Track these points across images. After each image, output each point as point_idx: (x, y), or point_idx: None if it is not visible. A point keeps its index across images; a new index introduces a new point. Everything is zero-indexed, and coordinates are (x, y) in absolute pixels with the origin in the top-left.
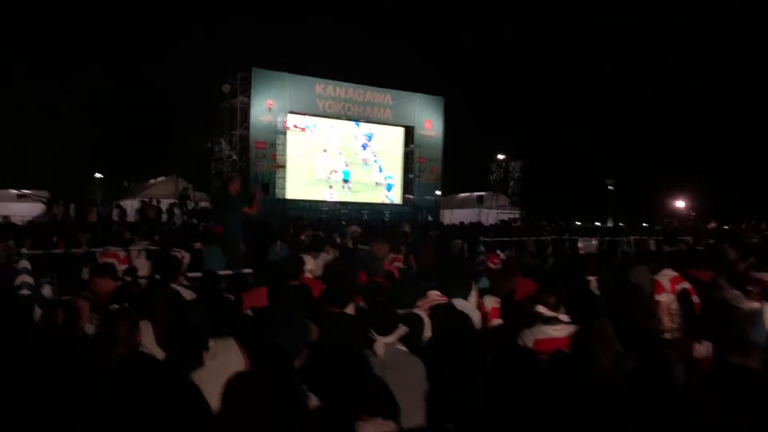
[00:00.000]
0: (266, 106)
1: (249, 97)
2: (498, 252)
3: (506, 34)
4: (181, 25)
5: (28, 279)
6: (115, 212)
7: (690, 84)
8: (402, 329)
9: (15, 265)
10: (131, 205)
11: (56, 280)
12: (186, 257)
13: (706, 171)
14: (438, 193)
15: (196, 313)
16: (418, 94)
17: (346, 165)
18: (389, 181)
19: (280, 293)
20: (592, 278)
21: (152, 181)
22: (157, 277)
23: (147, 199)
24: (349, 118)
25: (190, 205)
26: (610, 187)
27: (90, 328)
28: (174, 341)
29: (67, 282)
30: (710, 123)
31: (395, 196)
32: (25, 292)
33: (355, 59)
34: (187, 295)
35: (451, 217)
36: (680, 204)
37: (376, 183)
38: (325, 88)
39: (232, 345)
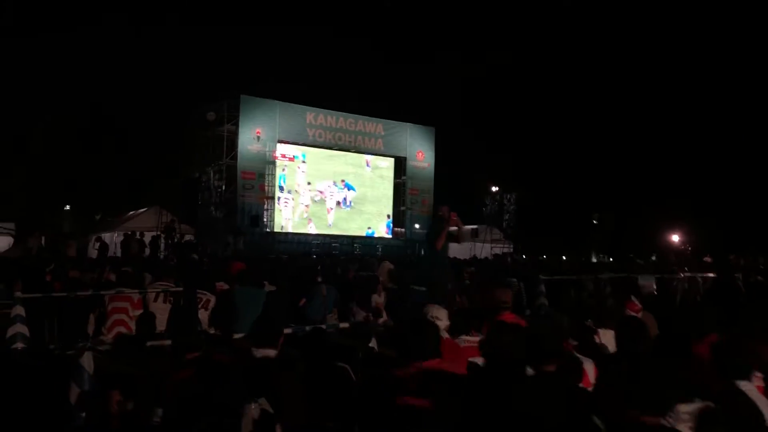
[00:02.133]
0: (254, 134)
1: (236, 125)
2: (632, 298)
3: (498, 60)
4: (164, 49)
5: (23, 329)
6: (93, 246)
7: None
8: None
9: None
10: (110, 238)
11: (57, 330)
12: (212, 300)
13: (694, 205)
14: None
15: None
16: (409, 124)
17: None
18: (386, 213)
19: None
20: None
21: (132, 213)
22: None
23: (130, 232)
24: (340, 148)
25: (176, 238)
26: (594, 221)
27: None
28: None
29: (69, 332)
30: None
31: (383, 229)
32: (19, 345)
33: (346, 87)
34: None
35: None
36: (675, 238)
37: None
38: (316, 117)
39: None
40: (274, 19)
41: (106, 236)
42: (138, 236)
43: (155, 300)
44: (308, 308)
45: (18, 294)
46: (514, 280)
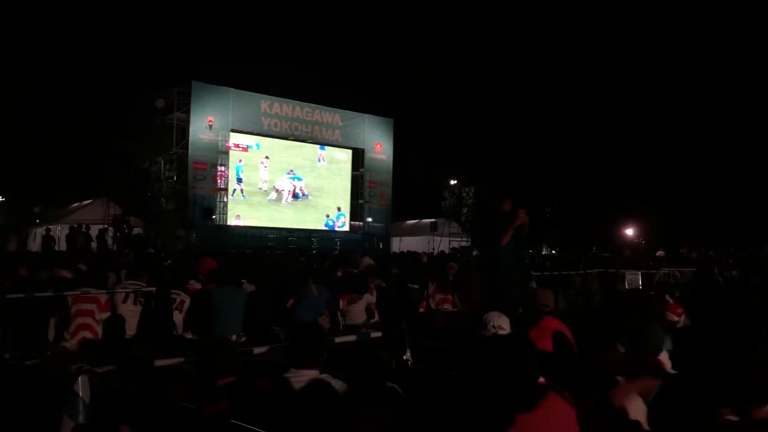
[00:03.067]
0: (206, 123)
1: (187, 113)
2: (669, 299)
3: (459, 53)
4: (113, 33)
5: None
6: (33, 239)
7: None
8: None
9: None
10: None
11: (10, 338)
12: (187, 301)
13: (647, 199)
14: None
15: None
16: (367, 116)
17: (294, 187)
18: (336, 206)
19: None
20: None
21: (76, 204)
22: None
23: (75, 225)
24: (296, 139)
25: (125, 231)
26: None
27: None
28: None
29: (27, 338)
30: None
31: (337, 223)
32: None
33: (304, 76)
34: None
35: (400, 244)
36: (629, 232)
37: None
38: (271, 106)
39: None
40: (231, 2)
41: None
42: (84, 229)
43: (124, 301)
44: (297, 309)
45: None
46: None
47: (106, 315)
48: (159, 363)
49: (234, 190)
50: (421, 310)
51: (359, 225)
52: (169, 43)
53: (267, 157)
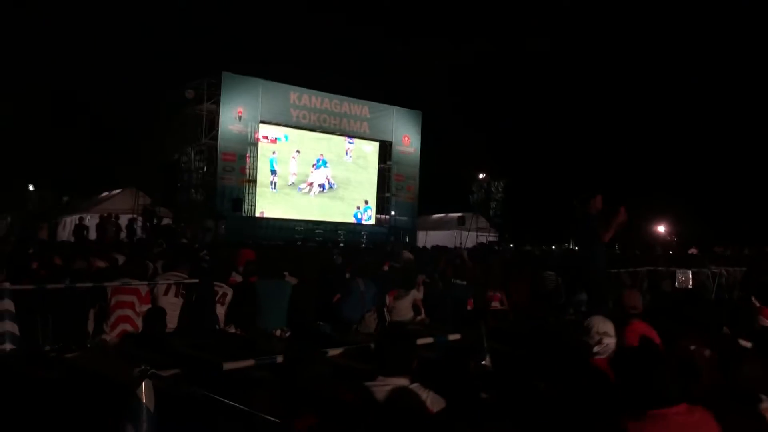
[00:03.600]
0: (236, 114)
1: (216, 104)
2: (756, 301)
3: (486, 46)
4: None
5: (12, 327)
6: (63, 228)
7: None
8: None
9: None
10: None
11: (50, 329)
12: (229, 294)
13: (680, 196)
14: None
15: None
16: (395, 108)
17: (322, 179)
18: (364, 199)
19: None
20: None
21: (105, 194)
22: None
23: (106, 214)
24: (324, 131)
25: (155, 221)
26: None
27: None
28: None
29: (66, 330)
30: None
31: (364, 216)
32: (8, 347)
33: (331, 67)
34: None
35: (426, 239)
36: (661, 229)
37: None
38: (300, 97)
39: None
40: None
41: (74, 219)
42: (113, 219)
43: (165, 293)
44: (343, 305)
45: (6, 285)
46: (552, 273)
47: (146, 307)
48: (228, 366)
49: (272, 183)
50: (469, 308)
51: (386, 218)
52: (198, 33)
53: (298, 152)
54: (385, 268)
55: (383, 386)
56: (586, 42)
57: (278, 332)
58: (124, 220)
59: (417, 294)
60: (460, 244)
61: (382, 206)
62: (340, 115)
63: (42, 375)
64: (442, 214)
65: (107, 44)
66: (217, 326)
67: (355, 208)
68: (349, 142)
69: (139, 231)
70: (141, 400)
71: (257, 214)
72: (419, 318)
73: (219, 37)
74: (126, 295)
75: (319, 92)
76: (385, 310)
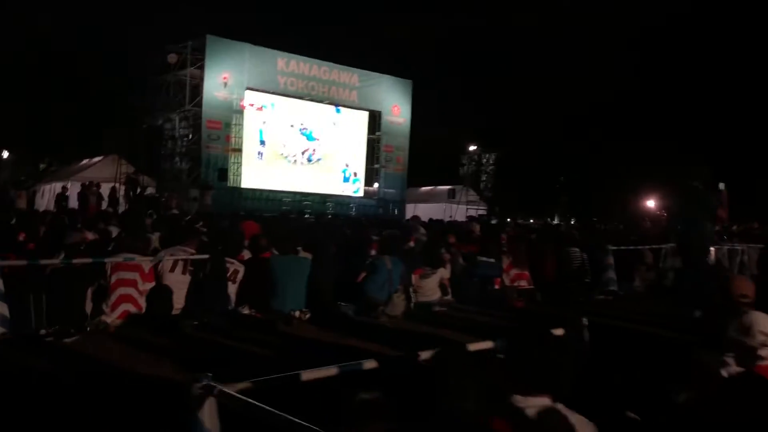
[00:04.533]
0: (221, 80)
1: (201, 69)
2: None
3: (479, 18)
4: None
5: (3, 309)
6: (42, 197)
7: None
8: None
9: None
10: (54, 189)
11: (43, 311)
12: (240, 271)
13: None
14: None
15: None
16: (386, 76)
17: (308, 148)
18: (350, 169)
19: None
20: None
21: (86, 161)
22: None
23: (87, 182)
24: (312, 99)
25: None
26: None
27: None
28: None
29: (62, 311)
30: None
31: (352, 187)
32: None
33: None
34: None
35: (414, 211)
36: (650, 203)
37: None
38: (288, 63)
39: None
40: None
41: (53, 186)
42: (95, 188)
43: (172, 270)
44: (369, 285)
45: None
46: (577, 250)
47: (150, 285)
48: (307, 376)
49: (259, 153)
50: (496, 287)
51: (374, 190)
52: None
53: (292, 125)
54: (411, 243)
55: (525, 406)
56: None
57: (297, 314)
58: (105, 189)
59: (444, 272)
60: (450, 217)
61: (370, 178)
62: (329, 83)
63: (39, 365)
64: (430, 187)
65: (87, 1)
66: (228, 306)
67: (341, 174)
68: (336, 112)
69: (121, 201)
70: (203, 423)
71: (243, 185)
72: (446, 298)
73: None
74: (128, 272)
75: (307, 58)
76: (411, 289)
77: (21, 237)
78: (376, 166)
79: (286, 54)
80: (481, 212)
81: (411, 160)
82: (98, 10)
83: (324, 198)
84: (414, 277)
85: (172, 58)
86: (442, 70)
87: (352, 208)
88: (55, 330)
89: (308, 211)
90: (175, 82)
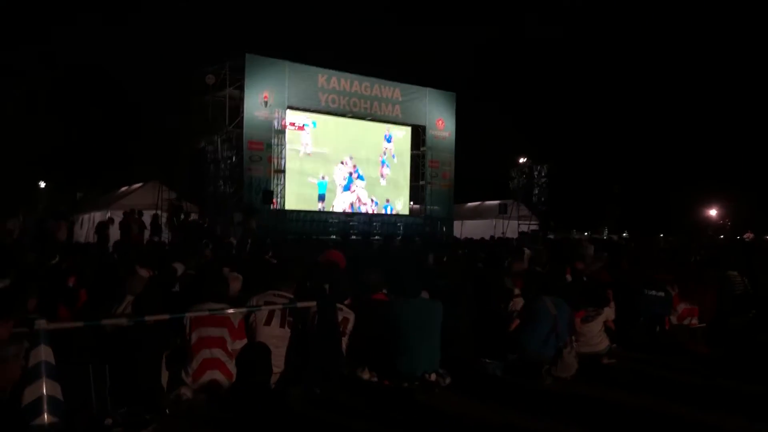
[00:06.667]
0: (261, 99)
1: (240, 89)
2: None
3: (525, 27)
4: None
5: (52, 389)
6: (81, 227)
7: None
8: None
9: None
10: (93, 218)
11: (107, 390)
12: (350, 320)
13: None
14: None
15: None
16: (428, 89)
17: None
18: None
19: None
20: None
21: (125, 189)
22: None
23: (129, 210)
24: (354, 116)
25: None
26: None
27: None
28: None
29: (128, 388)
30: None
31: (398, 205)
32: (47, 419)
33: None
34: None
35: (462, 229)
36: (712, 213)
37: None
38: (329, 80)
39: None
40: None
41: (92, 216)
42: (137, 215)
43: (267, 323)
44: (527, 336)
45: (42, 323)
46: (736, 273)
47: (240, 344)
48: None
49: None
50: (666, 327)
51: (420, 208)
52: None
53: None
54: (568, 277)
55: None
56: (628, 21)
57: (434, 377)
58: (147, 218)
59: (609, 313)
60: (503, 233)
61: (416, 195)
62: (371, 99)
63: None
64: (477, 203)
65: (122, 27)
66: (343, 369)
67: (385, 201)
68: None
69: (164, 228)
70: None
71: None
72: (613, 346)
73: (240, 18)
74: (213, 328)
75: (348, 74)
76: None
77: (71, 282)
78: (421, 182)
79: (326, 70)
80: (533, 227)
81: (459, 174)
82: (135, 35)
83: (370, 218)
84: (576, 321)
85: (210, 79)
86: (486, 81)
87: (399, 227)
88: (124, 415)
89: (376, 232)
90: (214, 103)
